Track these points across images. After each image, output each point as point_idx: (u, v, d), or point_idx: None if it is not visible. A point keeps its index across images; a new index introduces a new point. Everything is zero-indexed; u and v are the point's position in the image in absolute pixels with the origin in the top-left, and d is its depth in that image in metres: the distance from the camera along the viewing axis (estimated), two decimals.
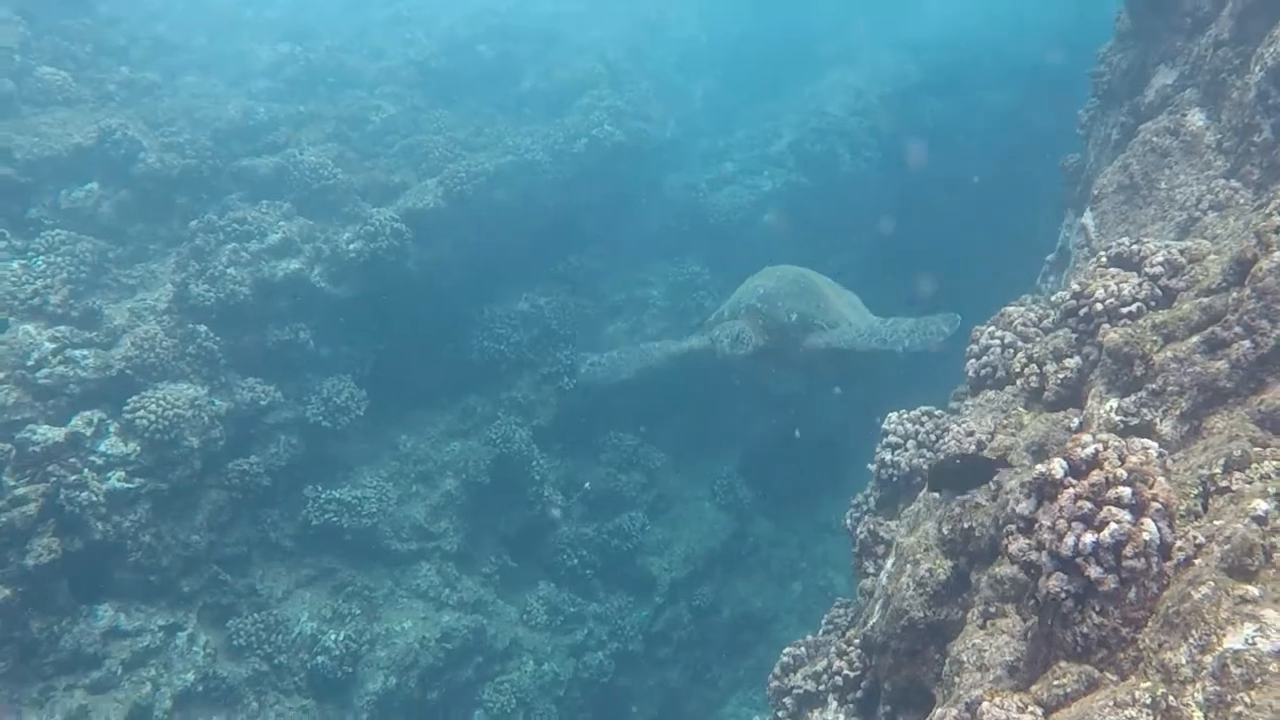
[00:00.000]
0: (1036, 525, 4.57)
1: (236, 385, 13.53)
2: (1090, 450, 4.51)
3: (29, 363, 11.88)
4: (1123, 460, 4.48)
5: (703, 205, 20.45)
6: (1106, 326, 6.30)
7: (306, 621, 13.51)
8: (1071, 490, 4.45)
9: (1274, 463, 4.59)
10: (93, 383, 12.14)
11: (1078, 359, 6.54)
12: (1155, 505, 4.35)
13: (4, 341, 11.95)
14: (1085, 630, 4.41)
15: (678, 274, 19.65)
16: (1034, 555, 4.54)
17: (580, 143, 18.68)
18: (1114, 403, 5.72)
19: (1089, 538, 4.33)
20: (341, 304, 15.00)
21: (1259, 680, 3.61)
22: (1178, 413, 5.39)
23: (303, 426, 14.29)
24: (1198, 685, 3.79)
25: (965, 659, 5.40)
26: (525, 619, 15.69)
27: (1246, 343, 5.21)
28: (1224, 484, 4.72)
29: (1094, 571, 4.32)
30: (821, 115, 22.28)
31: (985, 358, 7.71)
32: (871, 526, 8.23)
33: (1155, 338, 5.74)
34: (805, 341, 12.20)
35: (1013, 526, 4.76)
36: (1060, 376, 6.48)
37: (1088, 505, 4.39)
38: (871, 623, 7.00)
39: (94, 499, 11.39)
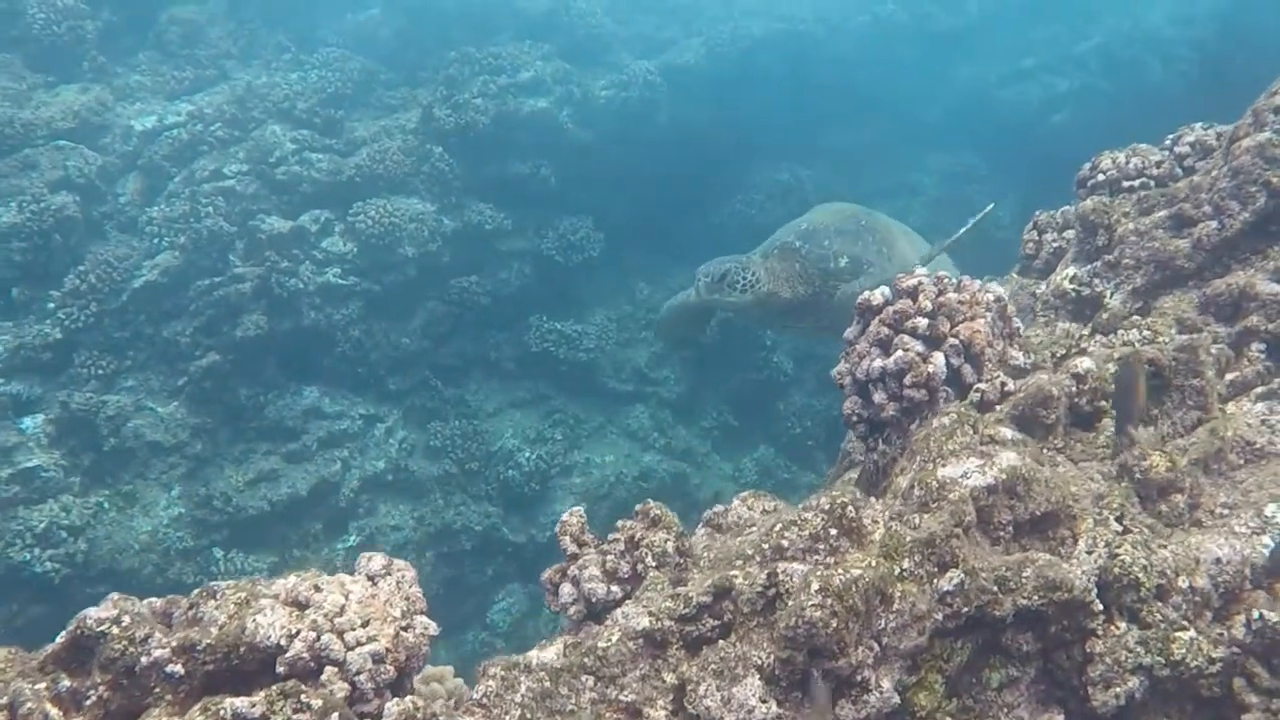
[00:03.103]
0: (849, 349, 4.41)
1: (468, 208, 13.57)
2: (912, 282, 4.28)
3: (270, 159, 12.31)
4: (938, 295, 4.23)
5: (990, 99, 18.88)
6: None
7: (509, 438, 13.42)
8: (879, 316, 4.27)
9: (1140, 333, 4.37)
10: (324, 185, 12.50)
11: (1073, 231, 5.84)
12: (953, 342, 4.11)
13: (252, 138, 12.39)
14: (875, 457, 4.20)
15: (953, 165, 18.21)
16: (843, 379, 4.40)
17: (859, 19, 17.60)
18: (1072, 270, 5.23)
19: (877, 363, 4.15)
20: (587, 147, 14.79)
21: (934, 504, 3.49)
22: (1130, 288, 4.89)
23: (536, 258, 14.20)
24: (894, 504, 3.68)
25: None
26: (735, 475, 15.01)
27: (1213, 223, 4.66)
28: (1084, 346, 4.49)
29: (878, 397, 4.16)
30: (1138, 18, 19.90)
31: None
32: None
33: (1128, 209, 5.16)
34: (850, 289, 8.75)
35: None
36: (1054, 246, 5.92)
37: (885, 331, 4.19)
38: None
39: (302, 287, 11.70)
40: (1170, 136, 5.54)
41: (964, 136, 18.55)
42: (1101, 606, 3.36)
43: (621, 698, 3.33)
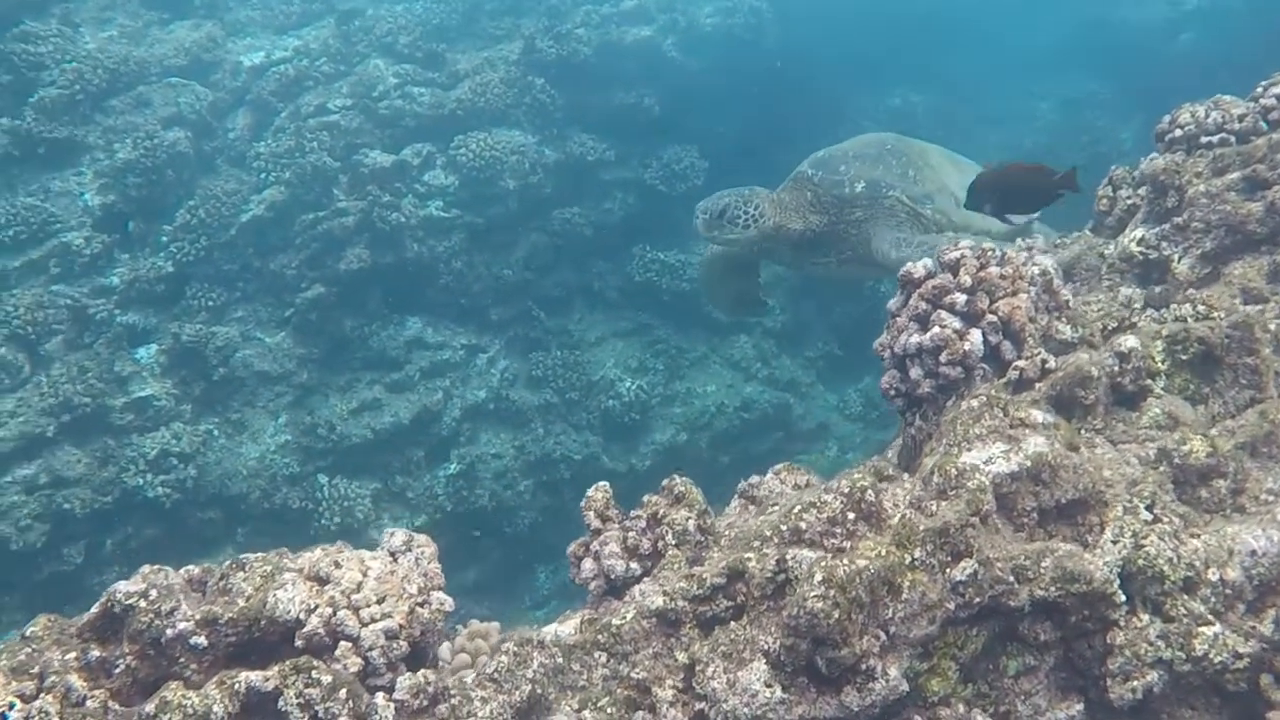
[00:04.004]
0: (891, 320, 4.25)
1: (571, 139, 13.44)
2: (954, 255, 4.05)
3: (374, 93, 12.35)
4: (980, 269, 3.99)
5: (1109, 20, 17.91)
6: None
7: (611, 368, 13.36)
8: (918, 290, 4.06)
9: (1194, 308, 4.05)
10: (427, 118, 12.52)
11: (1147, 188, 5.43)
12: (991, 318, 3.90)
13: (355, 73, 12.42)
14: (913, 432, 4.11)
15: (1072, 90, 17.46)
16: (883, 351, 4.25)
17: None
18: (1140, 232, 4.92)
19: (914, 339, 3.98)
20: (692, 75, 14.53)
21: (951, 491, 3.34)
22: (1199, 252, 4.61)
23: (640, 188, 14.03)
24: (915, 488, 3.53)
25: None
26: (840, 406, 14.76)
27: None
28: (1134, 320, 4.24)
29: (915, 373, 4.00)
30: None
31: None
32: None
33: (1201, 169, 4.82)
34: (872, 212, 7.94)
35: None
36: (1128, 203, 5.51)
37: (924, 306, 4.01)
38: None
39: (403, 220, 11.75)
40: (1262, 83, 5.11)
41: (1083, 59, 17.73)
42: (1124, 598, 3.21)
43: (633, 675, 3.31)
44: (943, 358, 3.92)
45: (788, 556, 3.24)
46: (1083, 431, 3.71)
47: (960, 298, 3.94)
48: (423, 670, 3.38)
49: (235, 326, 11.38)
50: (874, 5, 15.82)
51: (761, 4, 14.64)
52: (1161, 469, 3.49)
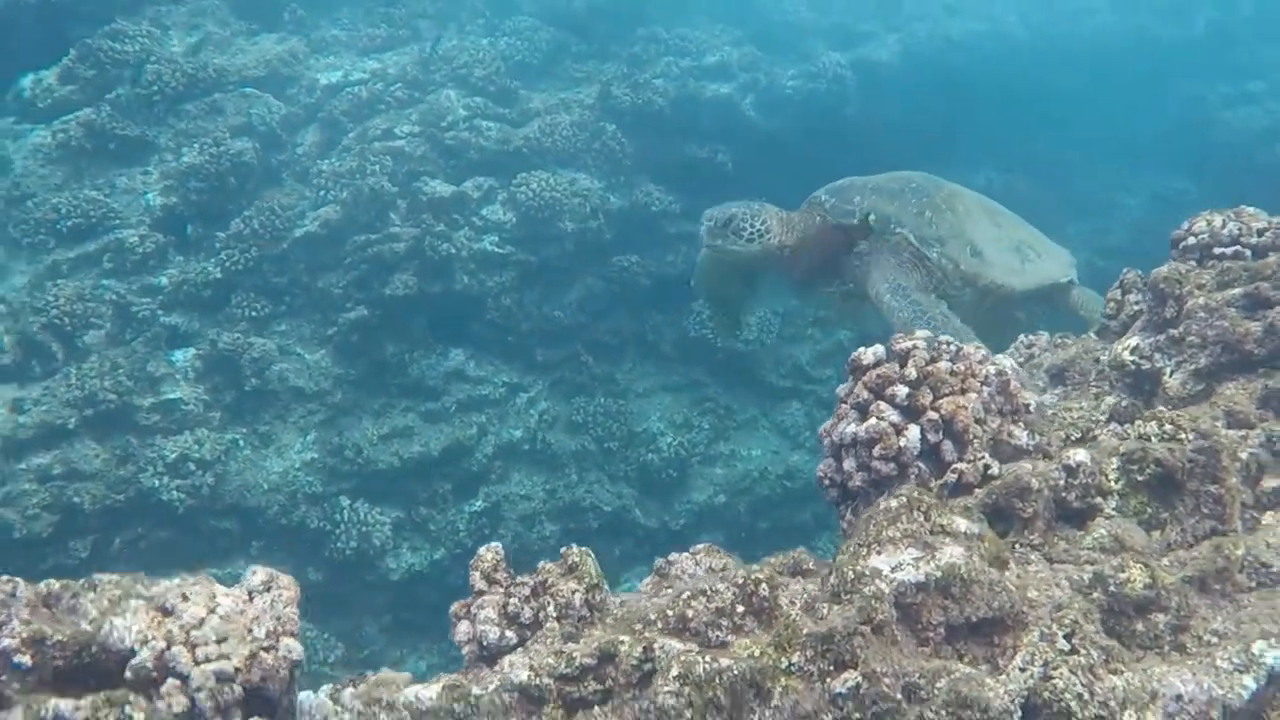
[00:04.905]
0: (838, 406, 3.95)
1: (638, 188, 13.20)
2: (907, 345, 3.78)
3: (442, 123, 12.23)
4: (931, 362, 3.72)
5: (1209, 120, 17.26)
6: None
7: (655, 421, 12.99)
8: (863, 378, 3.76)
9: (1160, 425, 3.64)
10: (492, 153, 12.37)
11: (1148, 295, 4.99)
12: (932, 415, 3.61)
13: (427, 101, 12.31)
14: (844, 526, 3.82)
15: (1163, 186, 16.80)
16: (825, 438, 3.92)
17: (1069, 26, 16.34)
18: (1135, 340, 4.53)
19: (850, 428, 3.69)
20: (769, 136, 14.25)
21: (846, 596, 3.07)
22: (1193, 368, 4.26)
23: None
24: (812, 588, 3.31)
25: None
26: None
27: None
28: (1096, 434, 3.91)
29: (848, 464, 3.71)
30: None
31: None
32: None
33: (1205, 281, 4.45)
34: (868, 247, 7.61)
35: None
36: (1135, 308, 5.04)
37: (865, 395, 3.71)
38: None
39: (454, 251, 11.56)
40: None
41: (1176, 157, 17.11)
42: None
43: None
44: (876, 451, 3.60)
45: (655, 645, 2.93)
46: (1018, 547, 3.36)
47: (902, 390, 3.63)
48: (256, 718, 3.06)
49: (277, 340, 11.23)
50: (965, 81, 15.37)
51: (846, 72, 14.30)
52: (1094, 596, 3.11)
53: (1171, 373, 4.24)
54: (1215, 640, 3.09)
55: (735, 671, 2.76)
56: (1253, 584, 3.26)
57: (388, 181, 11.62)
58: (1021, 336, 5.28)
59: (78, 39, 12.21)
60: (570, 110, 13.05)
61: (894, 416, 3.61)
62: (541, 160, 12.41)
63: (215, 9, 13.13)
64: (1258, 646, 2.99)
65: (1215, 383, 4.12)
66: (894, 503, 3.29)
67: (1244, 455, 3.55)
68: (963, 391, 3.62)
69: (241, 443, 10.67)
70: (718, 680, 2.74)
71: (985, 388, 3.67)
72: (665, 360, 13.58)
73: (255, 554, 10.48)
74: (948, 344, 3.77)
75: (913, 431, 3.57)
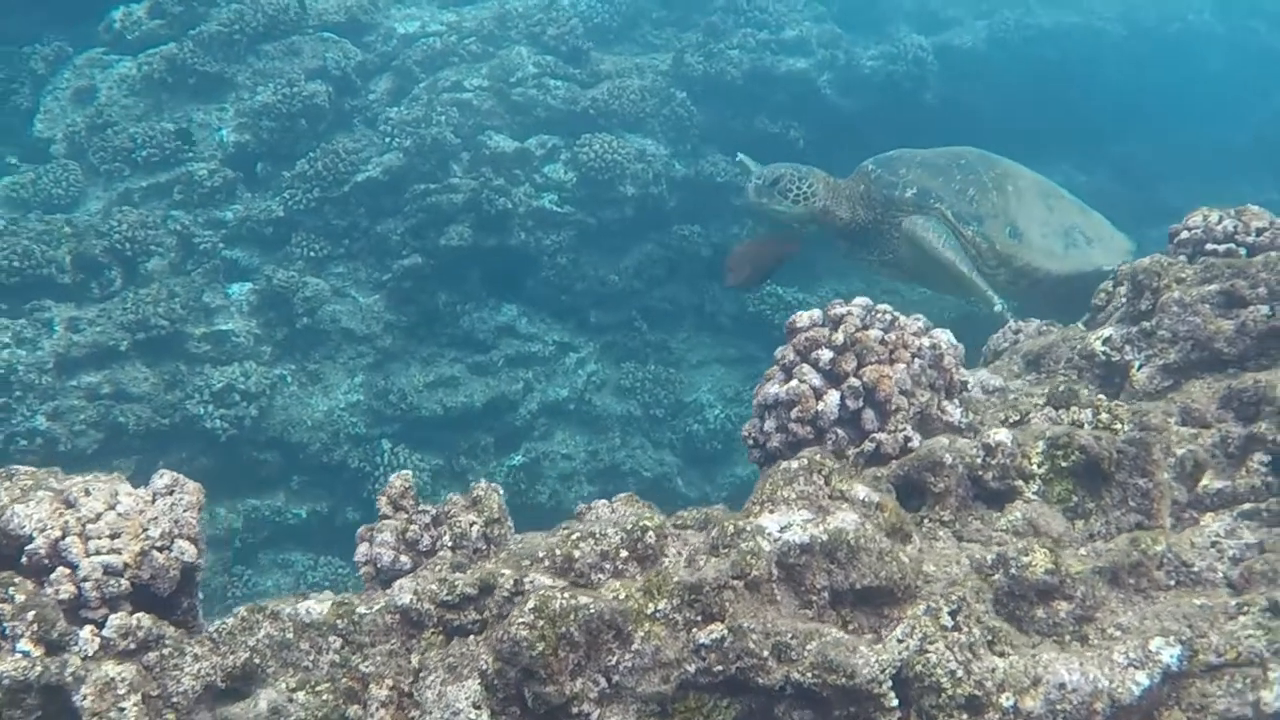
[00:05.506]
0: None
1: (704, 157, 13.10)
2: (842, 310, 3.78)
3: (510, 79, 12.22)
4: (862, 329, 3.69)
5: None
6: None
7: (705, 392, 12.92)
8: (794, 340, 3.79)
9: (1096, 413, 3.65)
10: (559, 112, 12.34)
11: (1127, 285, 4.91)
12: (853, 383, 3.58)
13: (497, 56, 12.33)
14: None
15: (1252, 197, 16.00)
16: (755, 400, 3.97)
17: (1173, 26, 15.77)
18: (1108, 331, 4.48)
19: (774, 389, 3.73)
20: (845, 116, 13.99)
21: (724, 549, 3.03)
22: (1161, 363, 4.17)
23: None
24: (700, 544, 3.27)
25: None
26: None
27: (1264, 308, 3.96)
28: (1033, 417, 3.86)
29: (768, 425, 3.77)
30: None
31: None
32: None
33: (1185, 275, 4.35)
34: (911, 222, 7.77)
35: None
36: (1123, 300, 4.91)
37: (793, 357, 3.74)
38: None
39: (512, 207, 11.55)
40: None
41: (1274, 168, 16.43)
42: (896, 703, 2.80)
43: (361, 667, 3.09)
44: (794, 413, 3.61)
45: (525, 579, 2.99)
46: (927, 521, 3.33)
47: (826, 354, 3.62)
48: (140, 614, 3.17)
49: (333, 281, 11.37)
50: (1053, 74, 14.93)
51: (927, 55, 13.95)
52: (995, 577, 3.07)
53: (1140, 366, 4.16)
54: (1119, 634, 3.03)
55: (593, 610, 2.78)
56: (1171, 582, 3.18)
57: (451, 133, 11.67)
58: (1010, 322, 5.17)
59: None
60: (643, 75, 12.97)
61: (815, 380, 3.60)
62: (607, 123, 12.36)
63: None
64: (1155, 643, 2.93)
65: (1184, 379, 4.03)
66: (795, 464, 3.28)
67: (1180, 452, 3.42)
68: (890, 361, 3.59)
69: (289, 378, 10.84)
70: (573, 616, 2.77)
71: (917, 360, 3.61)
72: (721, 332, 13.46)
73: (296, 487, 10.71)
74: (884, 312, 3.74)
75: (831, 396, 3.56)
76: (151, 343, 10.11)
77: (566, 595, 2.82)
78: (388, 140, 11.69)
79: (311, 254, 11.27)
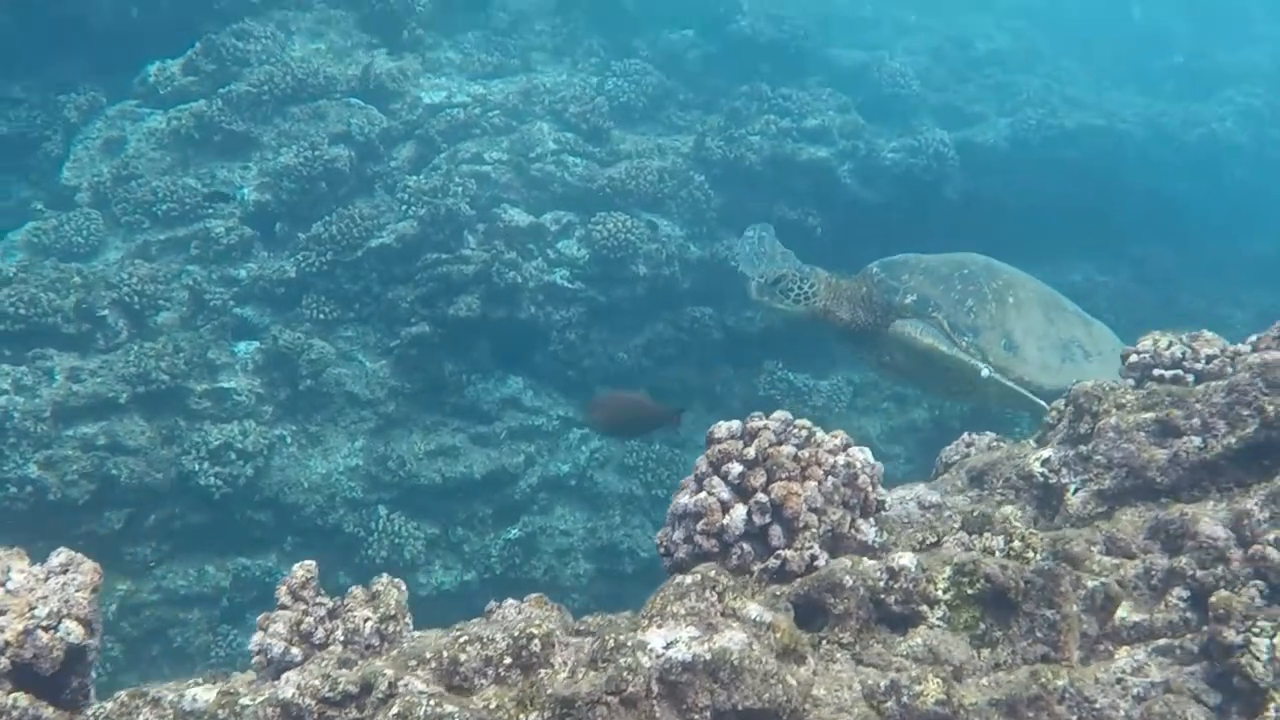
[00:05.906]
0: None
1: (720, 240, 13.06)
2: (760, 424, 3.70)
3: (530, 154, 12.29)
4: (776, 444, 3.60)
5: None
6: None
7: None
8: (708, 451, 3.72)
9: (1008, 540, 3.61)
10: (576, 189, 12.42)
11: (1070, 407, 4.82)
12: (760, 499, 3.49)
13: (519, 130, 12.41)
14: None
15: (1272, 304, 15.92)
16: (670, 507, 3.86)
17: (1195, 132, 15.75)
18: (1047, 453, 4.35)
19: (685, 499, 3.62)
20: (864, 206, 13.99)
21: (603, 663, 3.00)
22: (1096, 488, 4.05)
23: None
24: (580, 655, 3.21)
25: None
26: None
27: (1196, 440, 3.86)
28: (943, 540, 3.80)
29: (676, 535, 3.66)
30: None
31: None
32: None
33: (1126, 401, 4.26)
34: (900, 327, 7.77)
35: None
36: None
37: (705, 468, 3.64)
38: None
39: (520, 281, 11.57)
40: (1260, 334, 4.39)
41: None
42: None
43: None
44: (700, 525, 3.52)
45: (400, 681, 2.91)
46: (825, 643, 3.24)
47: (737, 468, 3.53)
48: (16, 694, 3.13)
49: (341, 345, 11.39)
50: (1075, 175, 14.89)
51: (948, 150, 13.97)
52: (886, 705, 2.98)
53: (1075, 490, 4.06)
54: None
55: (458, 719, 2.68)
56: (1073, 718, 3.07)
57: (467, 204, 11.73)
58: (965, 435, 5.09)
59: (205, 34, 12.63)
60: (663, 156, 13.06)
61: (724, 493, 3.52)
62: (624, 202, 12.40)
63: (341, 19, 13.46)
64: None
65: (1117, 505, 3.93)
66: (688, 579, 3.22)
67: (1091, 585, 3.34)
68: (802, 478, 3.50)
69: (289, 439, 10.82)
70: None
71: (830, 478, 3.55)
72: (731, 415, 13.30)
73: (289, 549, 10.61)
74: (801, 428, 3.67)
75: (738, 511, 3.47)
76: (152, 396, 10.13)
77: (432, 704, 2.77)
78: (404, 208, 11.75)
79: (321, 316, 11.30)
